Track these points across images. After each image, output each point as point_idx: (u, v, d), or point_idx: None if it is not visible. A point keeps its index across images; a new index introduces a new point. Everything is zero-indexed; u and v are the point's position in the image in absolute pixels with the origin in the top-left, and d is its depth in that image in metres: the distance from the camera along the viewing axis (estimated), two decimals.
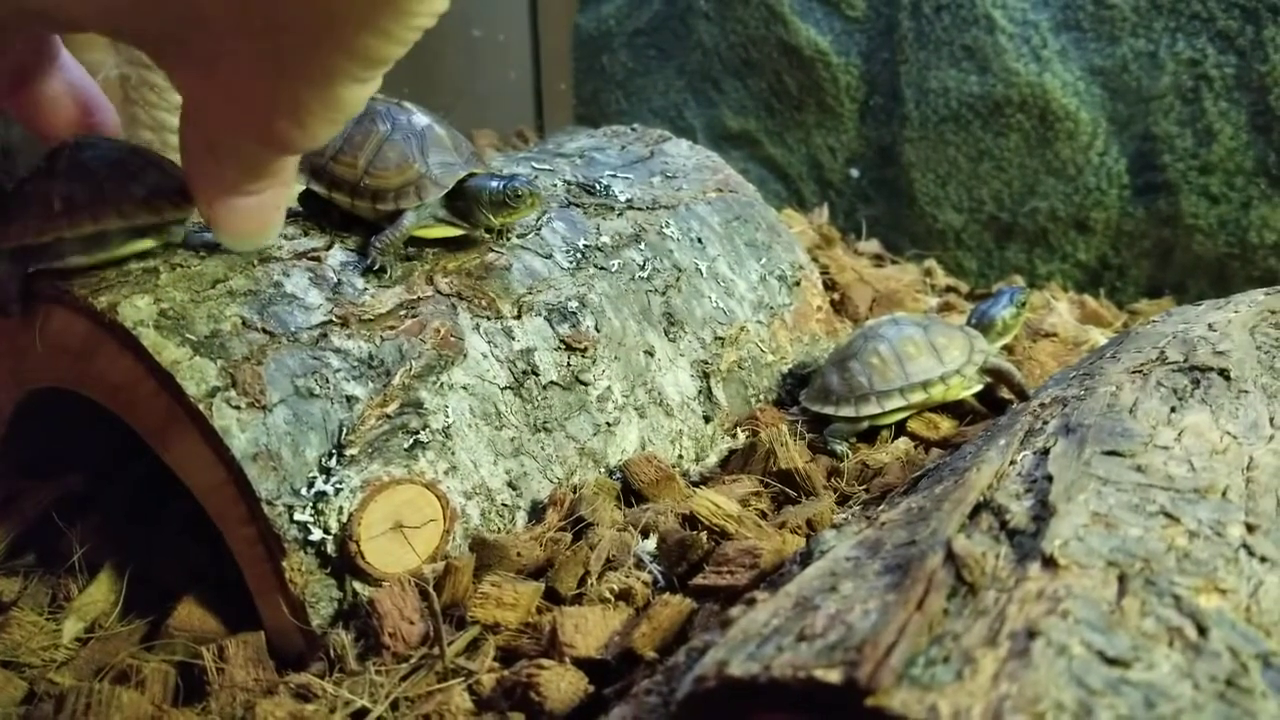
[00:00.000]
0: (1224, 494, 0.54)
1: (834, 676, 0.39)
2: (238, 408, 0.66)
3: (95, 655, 0.70)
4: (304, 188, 0.82)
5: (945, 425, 0.97)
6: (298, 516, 0.66)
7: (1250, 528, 0.51)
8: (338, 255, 0.78)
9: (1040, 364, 1.09)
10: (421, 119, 0.82)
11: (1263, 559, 0.48)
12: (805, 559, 0.61)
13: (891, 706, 0.37)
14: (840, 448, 0.92)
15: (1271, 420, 0.63)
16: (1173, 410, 0.64)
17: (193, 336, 0.67)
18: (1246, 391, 0.67)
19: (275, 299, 0.72)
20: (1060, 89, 1.35)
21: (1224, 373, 0.69)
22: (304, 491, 0.66)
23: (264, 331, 0.70)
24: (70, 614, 0.74)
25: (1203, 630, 0.42)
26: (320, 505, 0.66)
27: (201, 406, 0.65)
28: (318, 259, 0.77)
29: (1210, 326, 0.79)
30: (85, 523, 0.80)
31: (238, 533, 0.67)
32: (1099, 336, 1.20)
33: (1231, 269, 1.32)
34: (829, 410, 0.94)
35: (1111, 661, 0.40)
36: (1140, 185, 1.35)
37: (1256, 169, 1.27)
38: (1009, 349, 1.13)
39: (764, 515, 0.79)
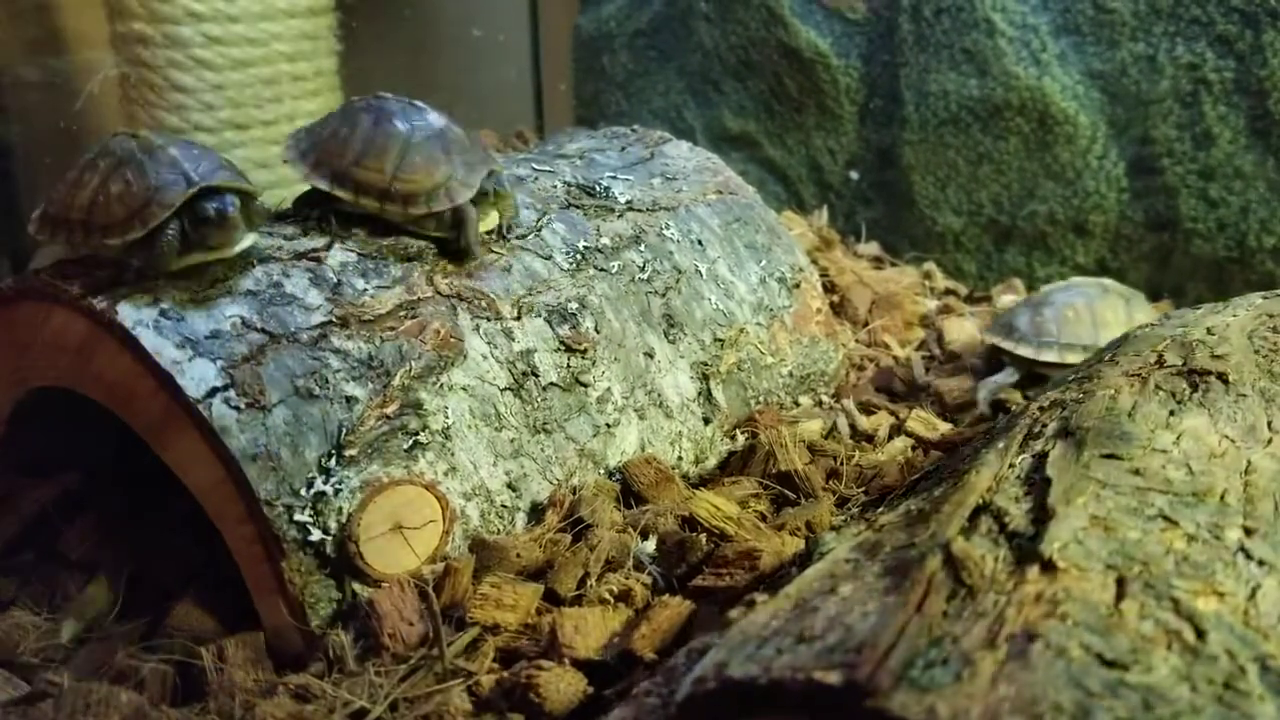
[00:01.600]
0: (1222, 498, 0.54)
1: (833, 678, 0.39)
2: (237, 408, 0.66)
3: (93, 655, 0.70)
4: (308, 187, 0.82)
5: (944, 426, 0.98)
6: (297, 517, 0.66)
7: (1248, 531, 0.51)
8: (338, 255, 0.78)
9: None
10: (437, 119, 0.82)
11: (1260, 562, 0.49)
12: (804, 561, 0.61)
13: (890, 708, 0.37)
14: (984, 406, 0.94)
15: (1269, 424, 0.64)
16: (1171, 414, 0.64)
17: (192, 336, 0.67)
18: (1245, 395, 0.67)
19: (275, 299, 0.72)
20: (1060, 93, 1.35)
21: (1222, 376, 0.69)
22: (303, 492, 0.66)
23: (264, 332, 0.70)
24: (68, 613, 0.74)
25: (1201, 633, 0.42)
26: (319, 506, 0.66)
27: (201, 406, 0.65)
28: (318, 259, 0.77)
29: (1209, 330, 0.79)
30: (84, 522, 0.80)
31: (236, 532, 0.67)
32: None
33: (1230, 272, 1.32)
34: (1007, 345, 0.94)
35: (1110, 664, 0.40)
36: (1139, 189, 1.35)
37: (1255, 173, 1.27)
38: None
39: (763, 517, 0.79)
